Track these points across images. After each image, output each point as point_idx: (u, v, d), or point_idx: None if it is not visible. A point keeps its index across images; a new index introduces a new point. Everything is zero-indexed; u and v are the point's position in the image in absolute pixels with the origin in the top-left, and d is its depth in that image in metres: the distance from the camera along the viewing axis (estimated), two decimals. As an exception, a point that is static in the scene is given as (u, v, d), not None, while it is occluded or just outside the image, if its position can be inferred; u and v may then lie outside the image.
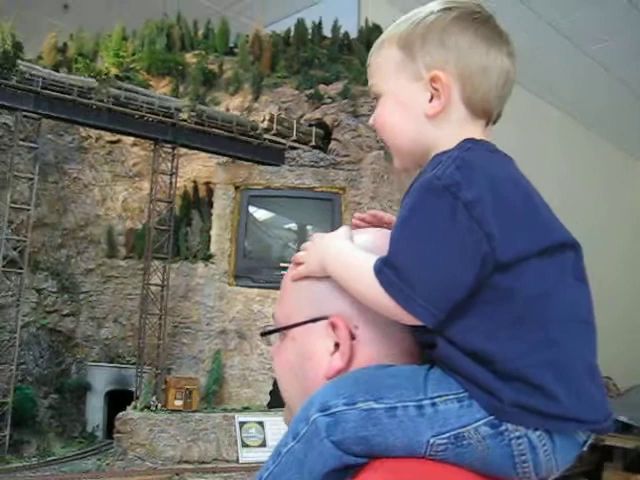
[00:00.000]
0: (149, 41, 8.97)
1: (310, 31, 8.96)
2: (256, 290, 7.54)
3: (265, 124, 7.88)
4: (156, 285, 7.43)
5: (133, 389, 7.29)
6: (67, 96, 6.81)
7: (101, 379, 7.82)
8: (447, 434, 0.80)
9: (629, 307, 11.96)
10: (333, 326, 0.89)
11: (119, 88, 7.30)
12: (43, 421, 7.31)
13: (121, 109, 7.11)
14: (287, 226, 8.44)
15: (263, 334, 1.00)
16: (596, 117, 11.63)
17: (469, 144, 0.87)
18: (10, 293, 6.99)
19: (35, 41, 8.11)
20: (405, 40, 0.93)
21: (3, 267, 6.68)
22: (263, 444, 6.50)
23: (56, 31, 8.69)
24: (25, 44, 7.45)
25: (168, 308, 7.43)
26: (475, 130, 0.91)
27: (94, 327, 8.18)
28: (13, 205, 6.80)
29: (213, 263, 7.73)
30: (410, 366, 0.86)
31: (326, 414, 0.81)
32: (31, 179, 6.94)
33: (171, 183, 7.62)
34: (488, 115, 0.94)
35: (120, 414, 6.59)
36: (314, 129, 8.16)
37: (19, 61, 6.81)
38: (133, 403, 6.87)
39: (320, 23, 8.94)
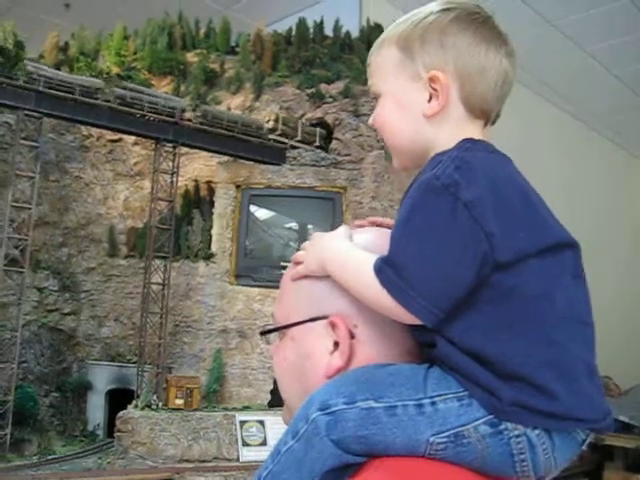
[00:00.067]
0: (150, 40, 8.97)
1: (311, 30, 8.94)
2: (257, 289, 7.54)
3: (270, 124, 7.89)
4: (157, 284, 7.44)
5: (134, 388, 7.29)
6: (69, 95, 6.81)
7: (102, 378, 7.82)
8: (447, 433, 0.80)
9: (630, 307, 11.95)
10: (332, 325, 0.89)
11: (124, 88, 7.31)
12: (44, 419, 7.32)
13: (122, 108, 7.11)
14: (288, 225, 8.44)
15: (262, 333, 1.00)
16: (598, 116, 11.62)
17: (468, 144, 0.87)
18: (11, 292, 6.99)
19: (37, 40, 8.11)
20: (404, 40, 0.93)
21: (4, 266, 6.68)
22: (264, 443, 6.50)
23: (58, 30, 8.68)
24: (27, 43, 7.44)
25: (169, 307, 7.43)
26: (474, 130, 0.92)
27: (95, 326, 8.18)
28: (14, 204, 6.81)
29: (214, 262, 7.73)
30: (410, 365, 0.86)
31: (326, 413, 0.82)
32: (32, 178, 6.94)
33: (172, 182, 7.62)
34: (487, 115, 0.94)
35: (121, 413, 6.59)
36: (318, 130, 8.16)
37: (26, 61, 6.83)
38: (134, 402, 6.87)
39: (321, 22, 8.93)
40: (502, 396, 0.79)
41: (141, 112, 7.21)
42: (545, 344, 0.80)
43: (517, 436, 0.80)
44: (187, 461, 6.40)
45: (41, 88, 6.64)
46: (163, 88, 8.58)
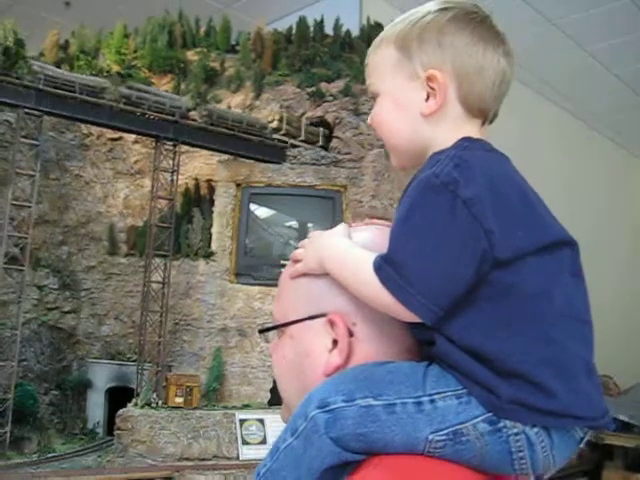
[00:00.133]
0: (151, 38, 8.96)
1: (312, 29, 8.93)
2: (257, 288, 7.54)
3: (275, 124, 7.90)
4: (157, 282, 7.44)
5: (134, 386, 7.29)
6: (69, 93, 6.81)
7: (102, 376, 7.83)
8: (446, 431, 0.80)
9: (630, 306, 11.96)
10: (331, 323, 0.89)
11: (130, 88, 7.32)
12: (44, 417, 7.32)
13: (123, 107, 7.11)
14: (288, 224, 8.44)
15: (261, 331, 1.01)
16: (598, 116, 11.62)
17: (466, 143, 0.87)
18: (11, 290, 6.99)
19: (37, 38, 8.11)
20: (402, 40, 0.93)
21: (4, 264, 6.68)
22: (263, 441, 6.51)
23: (58, 28, 8.68)
24: (27, 41, 7.43)
25: (169, 305, 7.43)
26: (472, 129, 0.92)
27: (95, 324, 8.18)
28: (14, 202, 6.80)
29: (214, 261, 7.73)
30: (409, 363, 0.86)
31: (325, 411, 0.82)
32: (32, 176, 6.94)
33: (172, 181, 7.61)
34: (484, 114, 0.94)
35: (121, 411, 6.59)
36: (321, 129, 8.17)
37: (31, 61, 6.84)
38: (134, 400, 6.87)
39: (322, 21, 8.93)
40: (501, 394, 0.79)
41: (141, 110, 7.20)
42: (543, 342, 0.80)
43: (516, 434, 0.80)
44: (187, 459, 6.40)
45: (41, 86, 6.64)
46: (163, 86, 8.58)
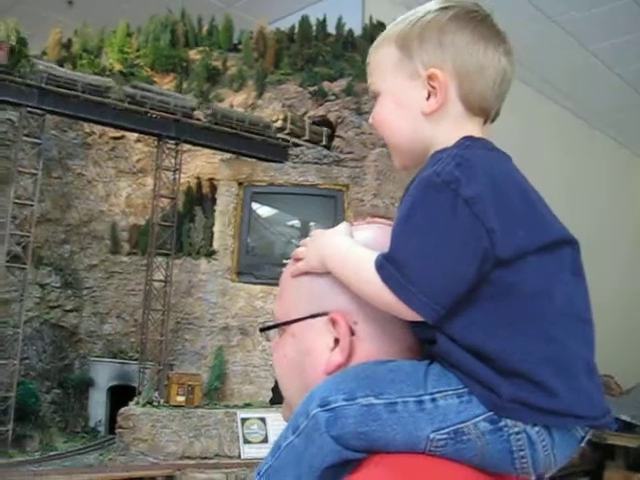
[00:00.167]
0: (153, 37, 8.97)
1: (314, 28, 8.95)
2: (259, 287, 7.55)
3: (279, 123, 7.91)
4: (159, 281, 7.45)
5: (135, 385, 7.30)
6: (71, 92, 6.81)
7: (104, 374, 7.84)
8: (447, 429, 0.80)
9: (632, 305, 11.94)
10: (333, 322, 0.89)
11: (135, 87, 7.33)
12: (46, 416, 7.34)
13: (126, 105, 7.12)
14: (290, 223, 8.45)
15: (262, 330, 1.01)
16: (600, 115, 11.61)
17: (468, 142, 0.87)
18: (14, 288, 7.00)
19: (39, 37, 8.12)
20: (403, 39, 0.93)
21: (7, 262, 6.70)
22: (265, 440, 6.51)
23: (60, 27, 8.69)
24: (30, 40, 7.44)
25: (171, 304, 7.44)
26: (473, 128, 0.92)
27: (97, 323, 8.19)
28: (17, 200, 6.82)
29: (216, 259, 7.74)
30: (410, 361, 0.86)
31: (326, 409, 0.82)
32: (35, 175, 6.95)
33: (174, 179, 7.62)
34: (486, 113, 0.94)
35: (122, 409, 6.61)
36: (325, 129, 8.17)
37: (37, 60, 6.86)
38: (135, 399, 6.88)
39: (324, 20, 8.93)
40: (502, 393, 0.79)
41: (144, 109, 7.21)
42: (544, 341, 0.80)
43: (517, 433, 0.80)
44: (188, 458, 6.41)
45: (44, 85, 6.64)
46: (165, 85, 8.59)
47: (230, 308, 7.59)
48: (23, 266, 6.80)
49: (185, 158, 7.88)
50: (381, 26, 8.01)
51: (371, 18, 8.62)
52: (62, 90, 6.77)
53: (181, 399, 6.76)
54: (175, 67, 8.85)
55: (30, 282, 7.26)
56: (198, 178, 8.48)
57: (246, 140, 7.72)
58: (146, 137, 8.16)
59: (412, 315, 0.82)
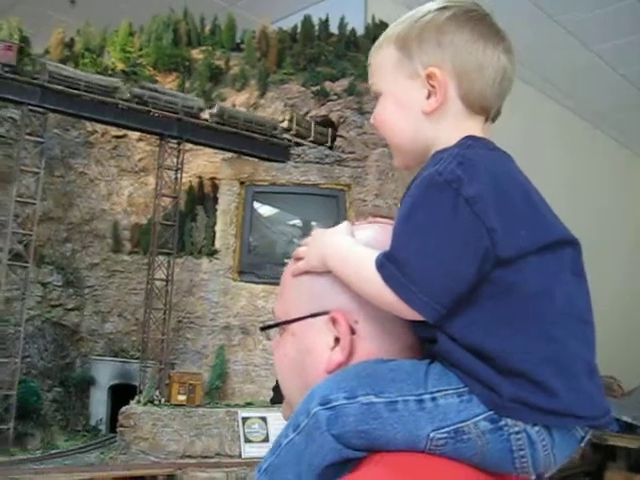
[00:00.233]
0: (156, 36, 8.98)
1: (317, 28, 8.94)
2: (260, 286, 7.55)
3: (285, 124, 7.91)
4: (160, 280, 7.45)
5: (137, 383, 7.31)
6: (74, 91, 6.82)
7: (105, 373, 7.84)
8: (447, 429, 0.80)
9: (634, 306, 11.92)
10: (333, 321, 0.89)
11: (143, 87, 7.35)
12: (47, 414, 7.34)
13: (128, 104, 7.12)
14: (292, 222, 8.45)
15: (263, 329, 1.01)
16: (601, 115, 11.60)
17: (470, 141, 0.88)
18: (15, 286, 7.01)
19: (42, 36, 8.13)
20: (403, 40, 0.94)
21: (9, 260, 6.71)
22: (266, 439, 6.51)
23: (63, 26, 8.70)
24: (32, 39, 7.47)
25: (172, 303, 7.45)
26: (474, 127, 0.92)
27: (98, 321, 8.20)
28: (19, 199, 6.83)
29: (217, 259, 7.74)
30: (411, 360, 0.86)
31: (326, 407, 0.82)
32: (37, 173, 6.96)
33: (176, 178, 7.62)
34: (486, 112, 0.94)
35: (123, 408, 6.61)
36: (330, 130, 8.17)
37: (47, 61, 6.87)
38: (136, 397, 6.89)
39: (327, 20, 8.93)
40: (502, 392, 0.79)
41: (147, 108, 7.21)
42: (545, 341, 0.80)
43: (517, 432, 0.80)
44: (189, 457, 6.41)
45: (46, 84, 6.64)
46: (168, 84, 8.60)
47: (232, 307, 7.59)
48: (25, 264, 6.81)
49: (187, 157, 7.88)
50: (384, 26, 7.98)
51: (374, 18, 8.62)
52: (65, 89, 6.77)
53: (182, 398, 6.76)
54: (177, 66, 8.85)
55: (32, 280, 7.26)
56: (200, 177, 8.48)
57: (248, 139, 7.72)
58: (148, 136, 8.16)
59: (413, 314, 0.82)
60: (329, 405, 0.82)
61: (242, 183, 7.85)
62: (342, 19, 8.85)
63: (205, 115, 7.59)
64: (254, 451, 6.43)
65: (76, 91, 6.79)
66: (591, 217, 10.14)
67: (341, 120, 8.18)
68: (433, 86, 0.91)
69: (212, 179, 8.42)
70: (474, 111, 0.93)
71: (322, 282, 0.92)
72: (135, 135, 8.42)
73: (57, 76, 6.64)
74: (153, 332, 7.34)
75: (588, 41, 9.17)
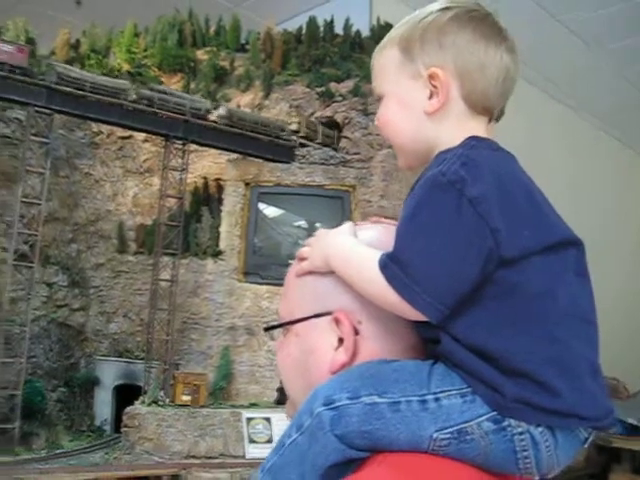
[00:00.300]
0: (161, 37, 9.00)
1: (322, 29, 8.95)
2: (265, 287, 7.56)
3: (294, 126, 7.93)
4: (165, 281, 7.46)
5: (141, 384, 7.32)
6: (80, 92, 6.83)
7: (110, 373, 7.86)
8: (450, 429, 0.80)
9: (637, 306, 11.88)
10: (337, 321, 0.89)
11: (152, 89, 7.36)
12: (52, 414, 7.36)
13: (134, 105, 7.14)
14: (297, 223, 8.45)
15: (267, 329, 1.01)
16: (604, 115, 11.57)
17: (473, 142, 0.88)
18: (21, 287, 7.03)
19: (48, 37, 8.16)
20: (405, 41, 0.94)
21: (14, 261, 6.73)
22: (270, 440, 6.51)
23: (69, 27, 8.73)
24: (38, 40, 7.49)
25: (177, 304, 7.46)
26: (477, 127, 0.92)
27: (103, 322, 8.22)
28: (24, 199, 6.85)
29: (222, 259, 7.75)
30: (414, 361, 0.86)
31: (330, 408, 0.82)
32: (42, 174, 6.98)
33: (181, 179, 7.64)
34: (489, 112, 0.94)
35: (128, 408, 6.63)
36: (336, 132, 8.18)
37: (55, 62, 6.89)
38: (141, 398, 6.90)
39: (332, 21, 8.94)
40: (506, 392, 0.79)
41: (152, 109, 7.22)
42: (548, 341, 0.80)
43: (520, 433, 0.80)
44: (193, 457, 6.42)
45: (52, 85, 6.66)
46: (173, 85, 8.61)
47: (236, 308, 7.60)
48: (30, 265, 6.83)
49: (192, 158, 7.90)
50: (389, 27, 7.97)
51: (379, 19, 8.62)
52: (71, 90, 6.79)
53: (187, 398, 6.77)
54: (182, 67, 8.87)
55: (37, 281, 7.29)
56: (205, 178, 8.50)
57: (253, 141, 7.73)
58: (154, 137, 8.18)
59: (416, 315, 0.82)
60: (332, 405, 0.82)
61: (247, 184, 7.86)
62: (347, 20, 8.85)
63: (213, 117, 7.60)
64: (258, 452, 6.43)
65: (82, 92, 6.81)
66: (594, 217, 10.11)
67: (346, 121, 8.19)
68: (435, 86, 0.91)
69: (217, 180, 8.43)
70: (477, 111, 0.93)
71: (326, 282, 0.92)
72: (140, 136, 8.45)
73: (65, 77, 6.66)
74: (158, 333, 7.35)
75: (591, 41, 9.15)
